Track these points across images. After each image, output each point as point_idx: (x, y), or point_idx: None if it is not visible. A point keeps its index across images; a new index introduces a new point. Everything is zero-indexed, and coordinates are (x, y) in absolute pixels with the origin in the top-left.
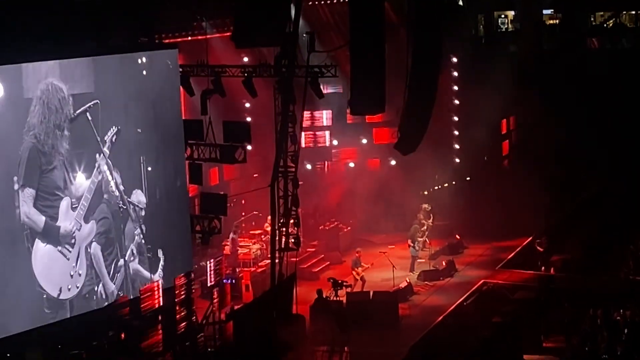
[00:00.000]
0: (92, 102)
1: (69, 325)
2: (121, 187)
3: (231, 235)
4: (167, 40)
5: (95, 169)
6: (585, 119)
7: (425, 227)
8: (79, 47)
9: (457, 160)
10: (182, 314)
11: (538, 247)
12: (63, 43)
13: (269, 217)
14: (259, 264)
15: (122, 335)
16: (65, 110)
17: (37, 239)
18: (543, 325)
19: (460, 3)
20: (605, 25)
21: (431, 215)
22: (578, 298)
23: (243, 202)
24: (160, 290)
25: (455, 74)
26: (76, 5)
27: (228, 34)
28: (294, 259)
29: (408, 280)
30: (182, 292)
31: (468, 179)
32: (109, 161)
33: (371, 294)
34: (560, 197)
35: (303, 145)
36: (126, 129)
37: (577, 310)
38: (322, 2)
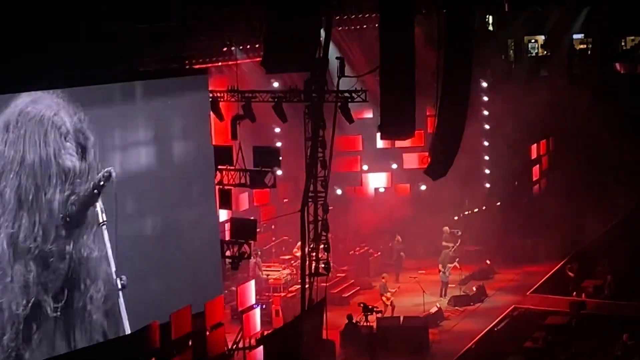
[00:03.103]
0: None
1: (98, 349)
2: None
3: (252, 260)
4: (197, 66)
5: None
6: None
7: (452, 250)
8: (108, 73)
9: (488, 185)
10: (212, 339)
11: (569, 272)
12: (92, 69)
13: (299, 243)
14: (289, 289)
15: None
16: None
17: None
18: (574, 350)
19: (491, 28)
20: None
21: (458, 238)
22: (609, 323)
23: (273, 227)
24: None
25: (486, 98)
26: (106, 31)
27: (258, 59)
28: (324, 284)
29: (438, 306)
30: (212, 317)
31: (498, 204)
32: None
33: (401, 319)
34: (591, 221)
35: None
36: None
37: (609, 336)
38: (352, 28)
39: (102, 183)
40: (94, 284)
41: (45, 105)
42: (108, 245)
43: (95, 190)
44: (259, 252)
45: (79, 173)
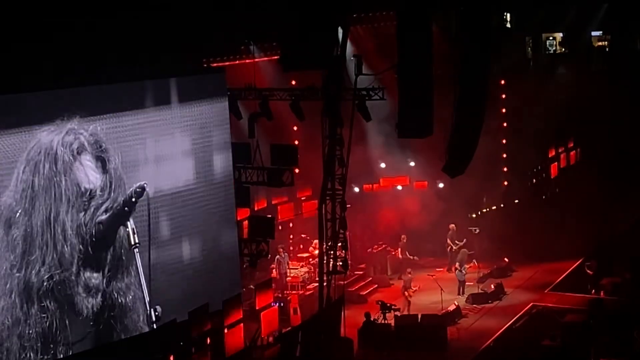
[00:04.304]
0: None
1: (118, 347)
2: None
3: (277, 257)
4: (214, 64)
5: None
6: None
7: (458, 247)
8: (125, 72)
9: (506, 182)
10: (230, 336)
11: (587, 270)
12: (109, 68)
13: (316, 241)
14: (307, 287)
15: (171, 358)
16: None
17: None
18: (593, 348)
19: (508, 25)
20: None
21: (464, 238)
22: (628, 321)
23: (291, 225)
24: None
25: (504, 96)
26: (123, 30)
27: (276, 57)
28: (342, 282)
29: (456, 304)
30: (230, 315)
31: (516, 201)
32: None
33: (419, 317)
34: (610, 218)
35: None
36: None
37: (628, 334)
38: (368, 26)
39: (133, 199)
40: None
41: (58, 130)
42: (141, 271)
43: (126, 208)
44: (284, 253)
45: (100, 187)
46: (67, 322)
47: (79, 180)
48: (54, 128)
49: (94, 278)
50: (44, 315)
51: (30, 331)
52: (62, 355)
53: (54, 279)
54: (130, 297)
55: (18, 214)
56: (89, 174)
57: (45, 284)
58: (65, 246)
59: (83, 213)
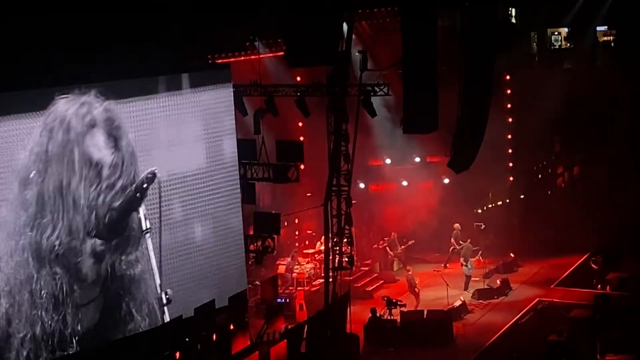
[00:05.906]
0: None
1: (124, 344)
2: None
3: (289, 259)
4: (220, 60)
5: None
6: None
7: (460, 249)
8: (131, 68)
9: (511, 178)
10: (236, 332)
11: (593, 265)
12: (113, 64)
13: (323, 237)
14: (313, 283)
15: (177, 355)
16: None
17: None
18: (599, 344)
19: (514, 20)
20: None
21: (468, 238)
22: (634, 316)
23: (296, 221)
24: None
25: (509, 91)
26: (128, 26)
27: (281, 53)
28: (348, 278)
29: (462, 299)
30: (236, 311)
31: (522, 197)
32: None
33: (425, 312)
34: (616, 214)
35: None
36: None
37: (634, 329)
38: (373, 21)
39: (145, 185)
40: (134, 307)
41: (74, 101)
42: (152, 255)
43: (138, 194)
44: (296, 256)
45: (111, 165)
46: (75, 287)
47: (90, 151)
48: (72, 97)
49: (101, 248)
50: (55, 276)
51: (42, 290)
52: (70, 317)
53: (63, 246)
54: (139, 269)
55: (32, 174)
56: (100, 147)
57: (56, 248)
58: (76, 215)
59: (95, 186)
